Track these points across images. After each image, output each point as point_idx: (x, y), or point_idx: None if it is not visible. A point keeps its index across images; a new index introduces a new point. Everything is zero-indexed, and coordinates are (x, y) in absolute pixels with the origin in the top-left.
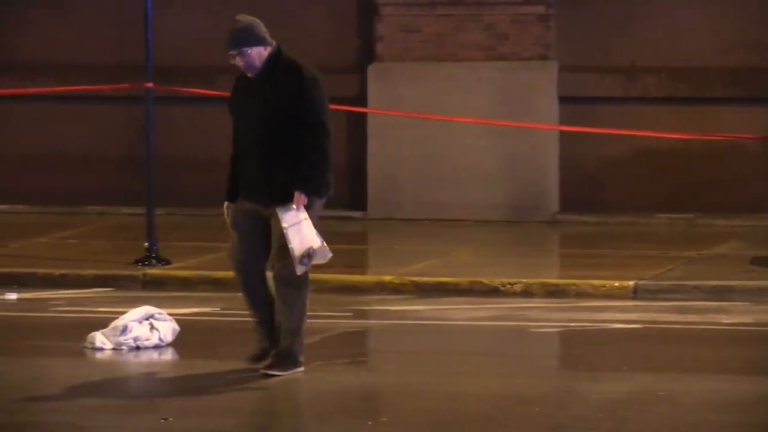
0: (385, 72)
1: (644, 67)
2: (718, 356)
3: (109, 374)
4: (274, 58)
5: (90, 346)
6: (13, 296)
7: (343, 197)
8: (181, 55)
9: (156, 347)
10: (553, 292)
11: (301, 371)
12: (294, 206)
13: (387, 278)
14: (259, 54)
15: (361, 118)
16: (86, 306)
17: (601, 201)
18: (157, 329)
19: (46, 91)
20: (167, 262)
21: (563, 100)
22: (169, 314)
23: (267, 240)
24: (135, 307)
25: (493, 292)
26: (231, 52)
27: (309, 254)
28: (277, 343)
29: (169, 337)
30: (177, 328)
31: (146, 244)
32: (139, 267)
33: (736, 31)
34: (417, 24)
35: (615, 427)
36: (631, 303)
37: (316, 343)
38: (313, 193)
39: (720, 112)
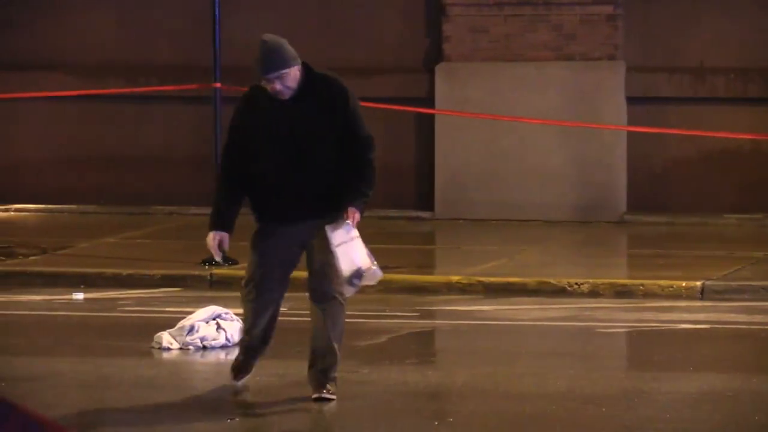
0: (453, 72)
1: (712, 67)
2: None
3: (176, 374)
4: (309, 76)
5: (157, 346)
6: (80, 296)
7: (411, 197)
8: (249, 55)
9: (223, 347)
10: (621, 293)
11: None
12: (347, 223)
13: (455, 278)
14: (295, 75)
15: (429, 119)
16: (153, 306)
17: (668, 201)
18: (223, 329)
19: (116, 92)
20: (234, 262)
21: (631, 100)
22: (236, 314)
23: (292, 269)
24: (202, 307)
25: (560, 292)
26: (269, 77)
27: (359, 275)
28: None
29: (235, 337)
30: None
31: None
32: (207, 267)
33: None
34: (485, 24)
35: (682, 427)
36: (698, 303)
37: (383, 344)
38: (363, 208)
39: None
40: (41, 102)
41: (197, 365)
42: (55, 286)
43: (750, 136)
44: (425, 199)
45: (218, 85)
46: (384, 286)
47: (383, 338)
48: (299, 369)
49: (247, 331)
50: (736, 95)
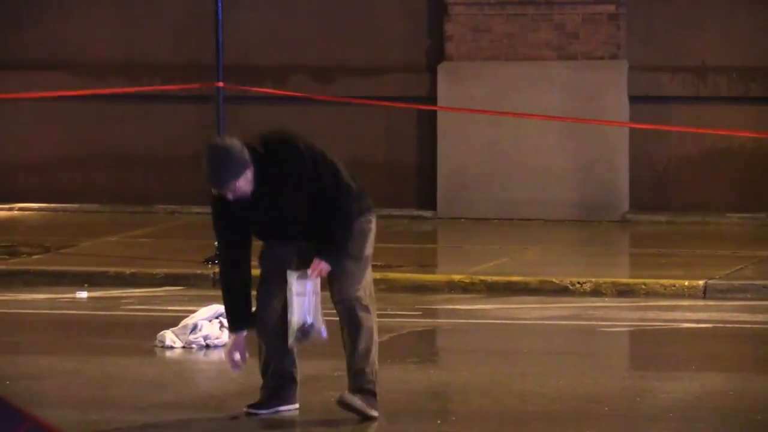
0: (456, 71)
1: (715, 66)
2: None
3: (179, 373)
4: (259, 159)
5: (160, 344)
6: (84, 295)
7: (413, 196)
8: (252, 54)
9: (225, 346)
10: (623, 292)
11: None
12: (308, 275)
13: (456, 277)
14: (247, 178)
15: (431, 118)
16: (157, 304)
17: (671, 200)
18: (226, 328)
19: (119, 91)
20: None
21: (633, 99)
22: None
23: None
24: (205, 305)
25: (562, 291)
26: (218, 191)
27: (307, 331)
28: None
29: None
30: None
31: (216, 243)
32: (210, 266)
33: None
34: (487, 23)
35: (685, 426)
36: (701, 302)
37: (385, 342)
38: (335, 261)
39: None
40: (44, 101)
41: (200, 364)
42: (59, 284)
43: (752, 134)
44: (427, 198)
45: (221, 84)
46: (386, 285)
47: (385, 337)
48: (304, 367)
49: (271, 366)
50: (738, 94)
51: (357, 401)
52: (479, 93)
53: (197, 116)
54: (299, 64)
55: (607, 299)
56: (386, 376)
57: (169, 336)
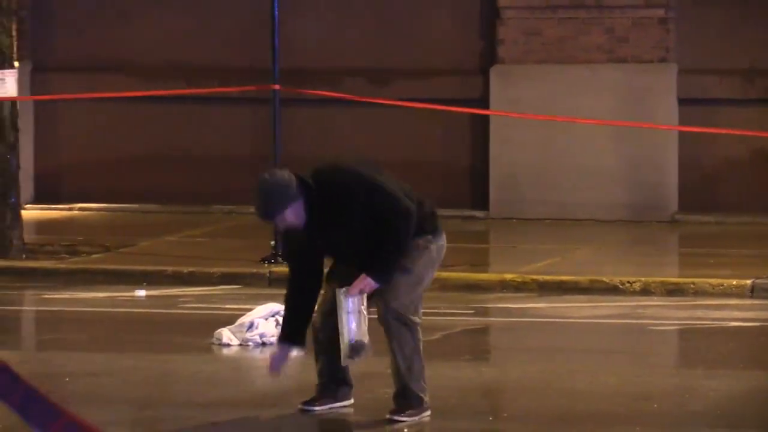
0: (507, 74)
1: (763, 68)
2: None
3: (236, 370)
4: (310, 196)
5: (217, 342)
6: (142, 293)
7: (466, 197)
8: (308, 57)
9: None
10: (672, 291)
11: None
12: (356, 294)
13: (509, 276)
14: (295, 211)
15: (484, 120)
16: (213, 303)
17: (719, 201)
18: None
19: (178, 93)
20: None
21: (682, 101)
22: None
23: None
24: (261, 304)
25: (612, 290)
26: (266, 221)
27: (355, 348)
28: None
29: None
30: None
31: (272, 242)
32: (266, 265)
33: None
34: (539, 27)
35: (732, 423)
36: (748, 301)
37: (437, 340)
38: (381, 279)
39: None
40: (104, 102)
41: (257, 361)
42: (118, 283)
43: None
44: (480, 198)
45: (277, 87)
46: (439, 284)
47: (438, 335)
48: (360, 365)
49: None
50: None
51: (403, 418)
52: (530, 95)
53: (254, 118)
54: (354, 67)
55: (656, 298)
56: (439, 373)
57: (225, 334)
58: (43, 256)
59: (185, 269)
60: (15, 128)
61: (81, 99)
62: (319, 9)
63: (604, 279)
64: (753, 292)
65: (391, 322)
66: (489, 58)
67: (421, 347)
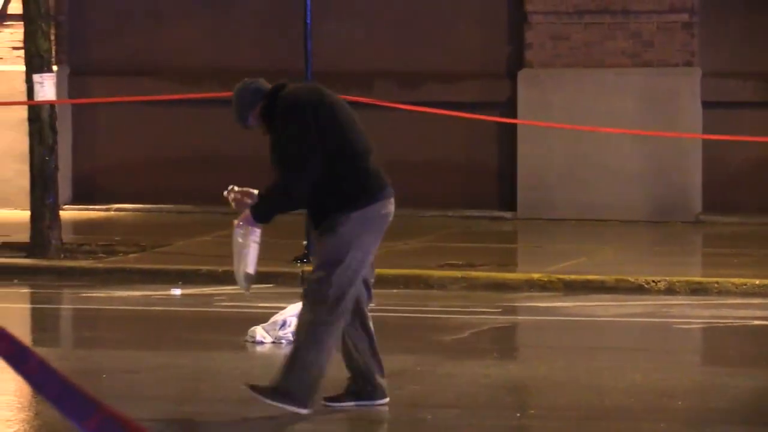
0: (535, 78)
1: None
2: None
3: (270, 367)
4: (265, 108)
5: (251, 339)
6: (177, 292)
7: (494, 198)
8: (338, 61)
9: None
10: (696, 290)
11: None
12: (239, 223)
13: (535, 276)
14: (254, 117)
15: (511, 123)
16: (247, 301)
17: (743, 202)
18: None
19: (210, 96)
20: None
21: (706, 104)
22: None
23: None
24: (294, 302)
25: (637, 289)
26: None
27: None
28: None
29: None
30: None
31: (305, 242)
32: (298, 264)
33: None
34: (566, 32)
35: (754, 420)
36: None
37: (466, 338)
38: (257, 220)
39: None
40: (140, 105)
41: None
42: (154, 282)
43: None
44: (507, 199)
45: None
46: (468, 284)
47: (466, 333)
48: (388, 362)
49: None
50: None
51: (253, 393)
52: (557, 99)
53: None
54: (384, 70)
55: (680, 297)
56: (467, 370)
57: (259, 332)
58: (81, 255)
59: (220, 268)
60: (53, 130)
61: (117, 102)
62: (351, 13)
63: (630, 278)
64: None
65: (306, 295)
66: (517, 62)
67: (331, 334)
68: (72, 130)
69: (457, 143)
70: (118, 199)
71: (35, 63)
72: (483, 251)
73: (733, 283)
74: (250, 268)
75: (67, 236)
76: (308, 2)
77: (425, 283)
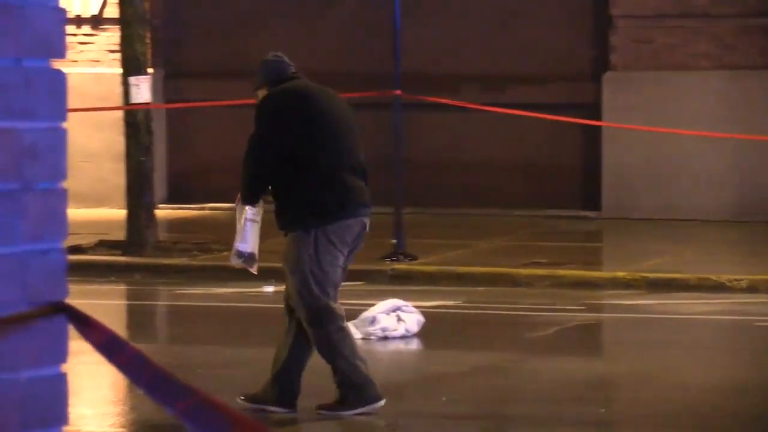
0: (619, 80)
1: None
2: None
3: None
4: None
5: None
6: (270, 289)
7: (579, 198)
8: (427, 64)
9: (402, 337)
10: None
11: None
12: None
13: (620, 274)
14: (257, 96)
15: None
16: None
17: None
18: (403, 320)
19: None
20: (413, 258)
21: None
22: (415, 306)
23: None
24: (383, 299)
25: (719, 287)
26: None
27: (252, 258)
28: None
29: (414, 328)
30: (422, 319)
31: (394, 241)
32: (387, 262)
33: None
34: (649, 35)
35: None
36: None
37: (552, 335)
38: (242, 199)
39: None
40: (233, 107)
41: (378, 354)
42: (247, 279)
43: None
44: (592, 199)
45: (398, 92)
46: (553, 281)
47: (552, 330)
48: (475, 358)
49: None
50: None
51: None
52: (641, 101)
53: (377, 122)
54: (471, 73)
55: (762, 295)
56: (552, 365)
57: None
58: (176, 253)
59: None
60: (149, 132)
61: (210, 105)
62: (438, 18)
63: (712, 277)
64: None
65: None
66: (601, 64)
67: (347, 347)
68: (167, 130)
69: (543, 145)
70: (212, 198)
71: (131, 66)
72: (568, 250)
73: None
74: (240, 245)
75: (162, 234)
76: (397, 6)
77: (512, 281)
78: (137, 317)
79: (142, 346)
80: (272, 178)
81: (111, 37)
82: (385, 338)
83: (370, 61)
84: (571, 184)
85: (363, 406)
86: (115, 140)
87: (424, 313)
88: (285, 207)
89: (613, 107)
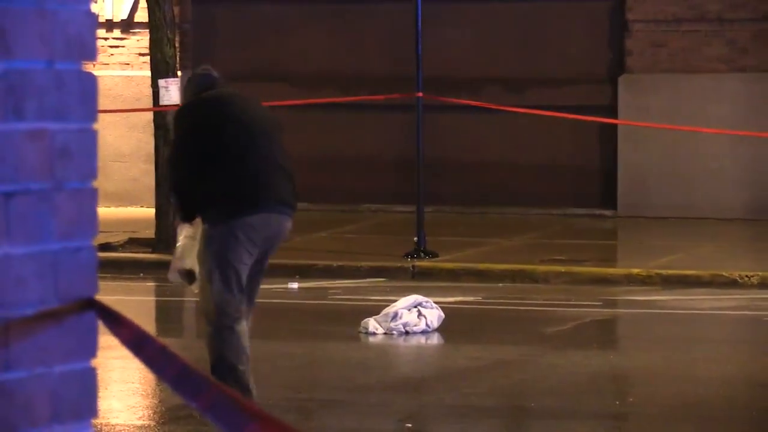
0: (635, 83)
1: None
2: None
3: (381, 357)
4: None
5: (364, 331)
6: (295, 286)
7: (596, 196)
8: (449, 66)
9: (423, 332)
10: None
11: None
12: None
13: (635, 271)
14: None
15: (613, 125)
16: (361, 294)
17: None
18: (424, 316)
19: (331, 101)
20: (434, 255)
21: None
22: (436, 302)
23: None
24: (405, 296)
25: (732, 284)
26: None
27: (192, 275)
28: None
29: (435, 324)
30: (443, 315)
31: (416, 238)
32: (409, 260)
33: None
34: (664, 39)
35: None
36: None
37: (569, 330)
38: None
39: None
40: None
41: (401, 348)
42: (272, 276)
43: None
44: (608, 197)
45: (420, 94)
46: (570, 278)
47: (569, 325)
48: (494, 352)
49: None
50: None
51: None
52: (657, 103)
53: (400, 124)
54: (492, 75)
55: None
56: (570, 360)
57: (372, 323)
58: None
59: (335, 263)
60: None
61: None
62: (460, 21)
63: (724, 273)
64: None
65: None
66: (618, 67)
67: (231, 348)
68: None
69: (561, 145)
70: None
71: (161, 68)
72: (585, 247)
73: None
74: (178, 262)
75: None
76: (419, 10)
77: (530, 278)
78: (165, 313)
79: (169, 342)
80: (193, 185)
81: (141, 40)
82: (407, 333)
83: (398, 64)
84: (589, 184)
85: None
86: (146, 141)
87: (444, 309)
88: (201, 205)
89: (629, 109)
